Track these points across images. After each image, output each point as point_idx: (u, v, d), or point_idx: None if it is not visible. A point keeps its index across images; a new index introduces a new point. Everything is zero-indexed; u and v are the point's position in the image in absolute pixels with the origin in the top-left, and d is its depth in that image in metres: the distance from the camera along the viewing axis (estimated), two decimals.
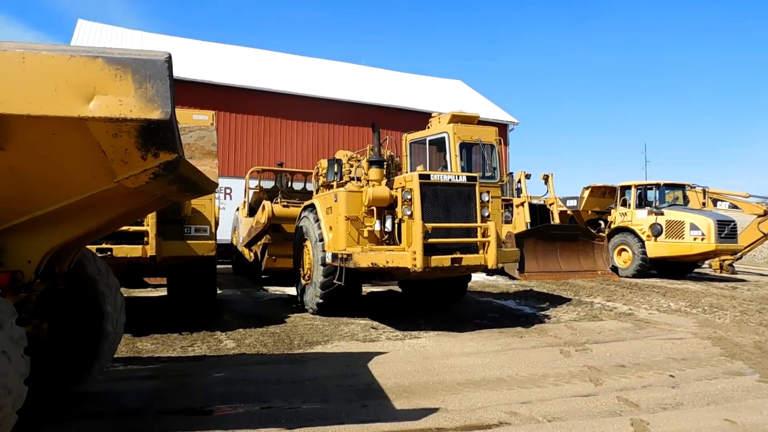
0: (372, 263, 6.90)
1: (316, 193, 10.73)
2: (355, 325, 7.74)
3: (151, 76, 2.49)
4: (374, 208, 7.56)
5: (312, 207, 8.96)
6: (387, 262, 6.90)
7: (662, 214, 15.70)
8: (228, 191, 19.95)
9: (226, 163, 21.56)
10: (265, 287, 12.35)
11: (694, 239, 14.95)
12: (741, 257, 17.67)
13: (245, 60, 26.58)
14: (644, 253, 15.67)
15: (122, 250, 6.67)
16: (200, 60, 24.23)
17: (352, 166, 9.69)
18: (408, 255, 6.88)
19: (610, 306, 10.15)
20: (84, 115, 2.37)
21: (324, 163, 10.45)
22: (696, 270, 17.50)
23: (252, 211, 12.86)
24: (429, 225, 6.95)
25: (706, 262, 17.55)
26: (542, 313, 9.31)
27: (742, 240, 16.24)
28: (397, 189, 7.55)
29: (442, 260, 6.98)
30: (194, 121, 7.83)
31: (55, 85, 2.34)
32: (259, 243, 12.14)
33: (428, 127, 9.72)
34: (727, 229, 15.07)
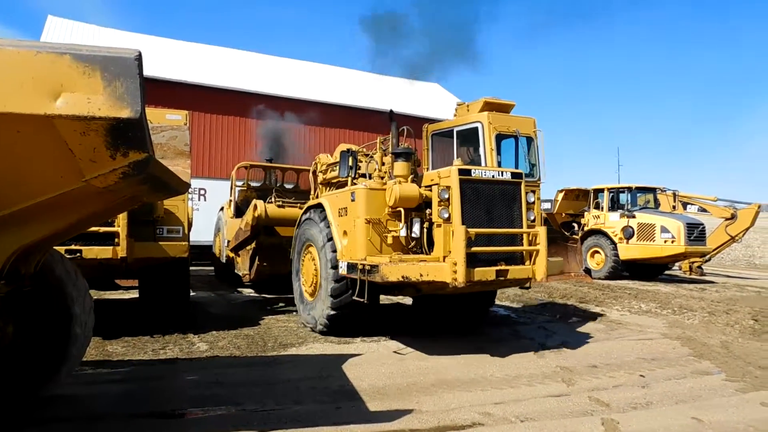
0: (403, 277, 5.70)
1: (313, 192, 9.91)
2: None
3: (120, 74, 2.45)
4: (401, 210, 6.44)
5: (319, 207, 7.72)
6: (421, 276, 5.77)
7: (634, 216, 15.97)
8: (202, 192, 19.69)
9: (200, 163, 21.31)
10: (240, 289, 12.23)
11: (665, 242, 15.24)
12: (709, 259, 18.07)
13: (221, 60, 26.33)
14: (616, 255, 15.93)
15: (92, 252, 6.54)
16: (174, 59, 23.94)
17: (360, 161, 8.52)
18: (447, 267, 5.77)
19: (583, 307, 10.28)
20: (51, 112, 2.31)
21: (323, 158, 9.61)
22: (666, 272, 17.84)
23: (239, 212, 11.77)
24: (472, 231, 5.88)
25: (676, 264, 17.91)
26: (516, 314, 9.40)
27: (711, 242, 16.62)
28: (430, 187, 6.50)
29: (486, 273, 5.95)
30: (167, 120, 7.72)
31: (21, 82, 2.29)
32: (248, 248, 10.95)
33: (454, 116, 8.45)
34: (696, 232, 15.41)
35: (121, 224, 6.62)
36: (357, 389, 4.89)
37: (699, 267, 17.40)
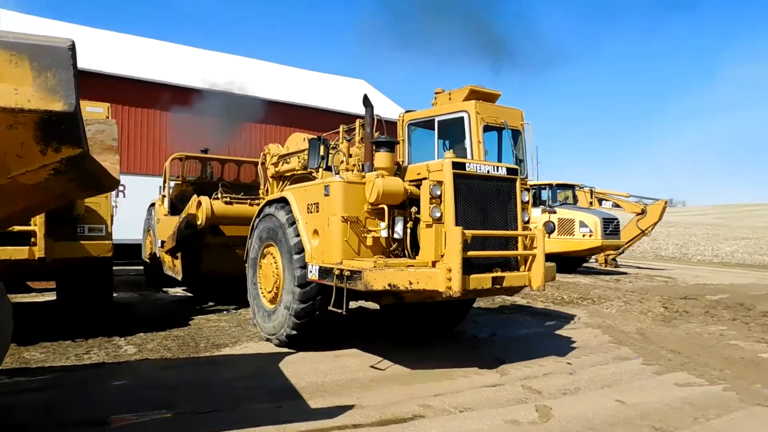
0: (390, 285, 4.98)
1: (263, 186, 9.30)
2: None
3: (52, 65, 2.31)
4: (384, 207, 5.69)
5: (281, 203, 6.86)
6: (410, 284, 5.05)
7: (555, 212, 16.71)
8: (121, 188, 18.74)
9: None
10: (165, 289, 11.78)
11: (583, 236, 16.07)
12: (623, 252, 19.22)
13: (142, 50, 25.18)
14: None
15: (5, 252, 6.10)
16: (90, 48, 22.66)
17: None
18: (440, 274, 5.09)
19: (510, 300, 10.67)
20: None
21: (273, 148, 8.92)
22: (584, 264, 18.81)
23: (174, 209, 10.73)
24: (468, 232, 5.23)
25: (593, 256, 18.93)
26: None
27: (624, 236, 17.69)
28: (416, 182, 5.86)
29: (482, 280, 5.33)
30: (88, 113, 7.29)
31: None
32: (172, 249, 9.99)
33: (433, 105, 7.53)
34: (611, 226, 16.35)
35: (38, 223, 6.20)
36: (296, 387, 4.85)
37: (613, 259, 18.46)
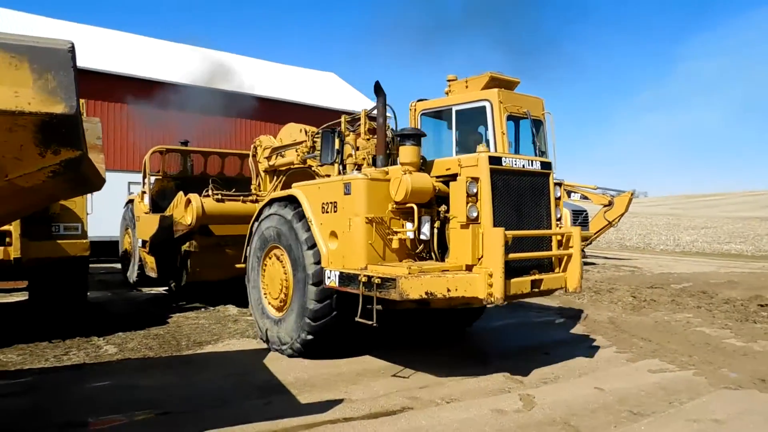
0: (427, 293, 4.58)
1: (255, 180, 8.87)
2: (243, 322, 7.59)
3: (52, 67, 2.31)
4: (413, 207, 5.20)
5: (290, 201, 6.26)
6: (449, 291, 4.66)
7: None
8: None
9: None
10: (139, 287, 11.61)
11: None
12: (591, 243, 19.69)
13: (106, 43, 24.58)
14: None
15: None
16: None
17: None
18: (480, 279, 4.71)
19: None
20: None
21: (266, 140, 8.46)
22: None
23: (156, 206, 10.22)
24: (509, 233, 4.84)
25: None
26: None
27: (592, 227, 18.11)
28: (444, 178, 5.44)
29: (522, 284, 5.01)
30: None
31: None
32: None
33: (447, 93, 6.71)
34: (580, 218, 16.76)
35: (12, 223, 6.08)
36: (284, 383, 4.91)
37: (582, 250, 18.88)
